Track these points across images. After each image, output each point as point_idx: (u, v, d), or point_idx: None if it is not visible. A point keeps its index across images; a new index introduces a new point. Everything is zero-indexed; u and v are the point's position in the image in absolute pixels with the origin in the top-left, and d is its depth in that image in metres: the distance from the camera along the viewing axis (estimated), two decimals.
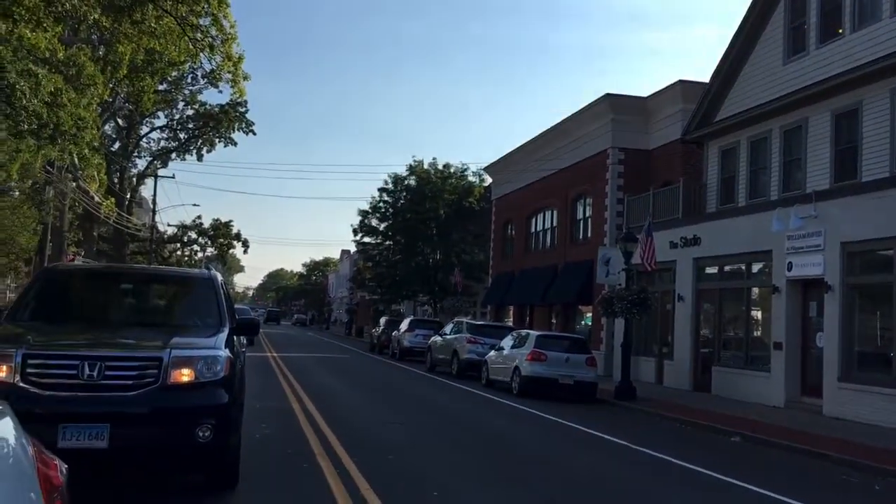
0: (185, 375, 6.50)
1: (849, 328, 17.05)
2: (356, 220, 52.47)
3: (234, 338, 7.68)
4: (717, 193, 23.78)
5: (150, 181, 53.36)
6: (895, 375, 15.67)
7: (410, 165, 50.30)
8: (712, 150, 24.17)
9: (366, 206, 51.94)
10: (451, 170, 50.29)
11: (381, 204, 51.45)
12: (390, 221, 50.89)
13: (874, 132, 17.74)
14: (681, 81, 26.94)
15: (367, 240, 53.75)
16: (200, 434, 6.40)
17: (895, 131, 17.20)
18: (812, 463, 12.17)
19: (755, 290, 20.88)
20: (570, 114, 32.13)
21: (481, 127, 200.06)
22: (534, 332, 22.12)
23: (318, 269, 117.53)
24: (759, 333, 20.84)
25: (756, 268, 20.61)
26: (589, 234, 30.61)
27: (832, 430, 14.74)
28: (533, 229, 37.19)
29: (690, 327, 22.71)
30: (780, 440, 13.58)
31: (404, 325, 34.96)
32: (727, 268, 21.96)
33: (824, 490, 10.11)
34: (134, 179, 54.36)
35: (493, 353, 22.83)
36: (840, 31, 19.08)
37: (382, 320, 41.87)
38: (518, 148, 38.03)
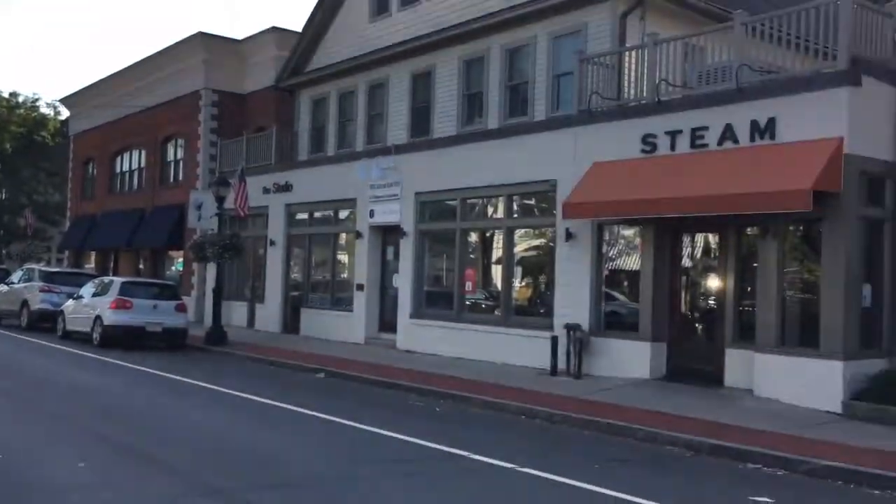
0: None
1: (419, 270, 18.99)
2: None
3: None
4: (309, 142, 24.55)
5: None
6: (455, 311, 17.90)
7: None
8: (304, 99, 24.82)
9: None
10: (20, 99, 44.74)
11: None
12: None
13: (444, 94, 19.75)
14: (274, 28, 27.02)
15: None
16: None
17: (461, 95, 19.36)
18: (386, 392, 13.47)
19: (342, 236, 22.13)
20: (161, 48, 30.42)
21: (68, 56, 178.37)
22: (118, 279, 21.00)
23: None
24: (345, 276, 22.20)
25: (343, 214, 21.83)
26: (181, 177, 29.53)
27: (403, 362, 16.42)
28: (118, 169, 34.72)
29: (281, 271, 23.34)
30: (359, 373, 14.81)
31: None
32: (317, 214, 22.90)
33: (394, 414, 11.27)
34: None
35: (70, 302, 21.18)
36: None
37: None
38: (102, 80, 34.94)
